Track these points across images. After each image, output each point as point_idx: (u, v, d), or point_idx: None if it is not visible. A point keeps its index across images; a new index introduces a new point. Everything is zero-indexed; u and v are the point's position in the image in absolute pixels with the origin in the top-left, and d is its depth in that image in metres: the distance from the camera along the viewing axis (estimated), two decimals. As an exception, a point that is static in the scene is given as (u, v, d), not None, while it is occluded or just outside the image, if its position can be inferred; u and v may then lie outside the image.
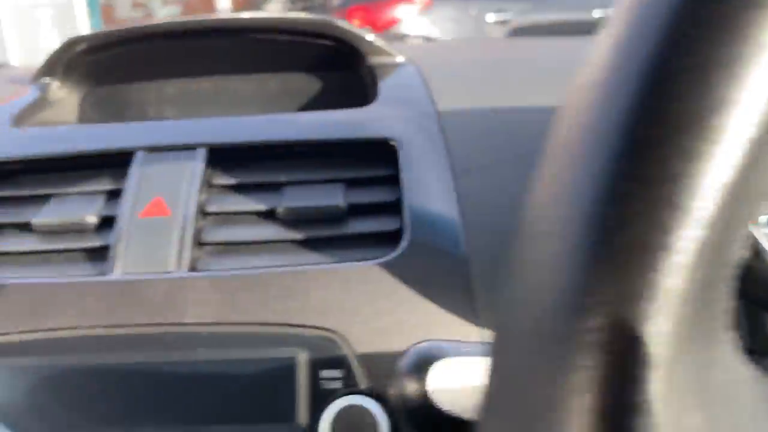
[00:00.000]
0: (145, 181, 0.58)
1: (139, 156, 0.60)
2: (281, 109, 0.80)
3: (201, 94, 0.80)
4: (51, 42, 4.90)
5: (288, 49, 0.77)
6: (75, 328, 0.52)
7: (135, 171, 0.59)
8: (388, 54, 0.75)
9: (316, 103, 0.80)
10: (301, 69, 0.79)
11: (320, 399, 0.49)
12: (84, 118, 0.79)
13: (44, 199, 0.60)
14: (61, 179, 0.61)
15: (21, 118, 0.69)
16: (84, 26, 5.14)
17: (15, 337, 0.52)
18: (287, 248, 0.56)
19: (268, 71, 0.80)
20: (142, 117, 0.81)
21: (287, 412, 0.49)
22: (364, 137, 0.60)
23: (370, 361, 0.50)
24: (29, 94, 0.74)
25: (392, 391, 0.48)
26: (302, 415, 0.49)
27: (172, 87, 0.80)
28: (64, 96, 0.78)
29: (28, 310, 0.52)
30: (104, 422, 0.50)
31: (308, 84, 0.80)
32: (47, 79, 0.77)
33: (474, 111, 0.65)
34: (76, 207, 0.58)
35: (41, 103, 0.73)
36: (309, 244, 0.56)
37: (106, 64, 0.77)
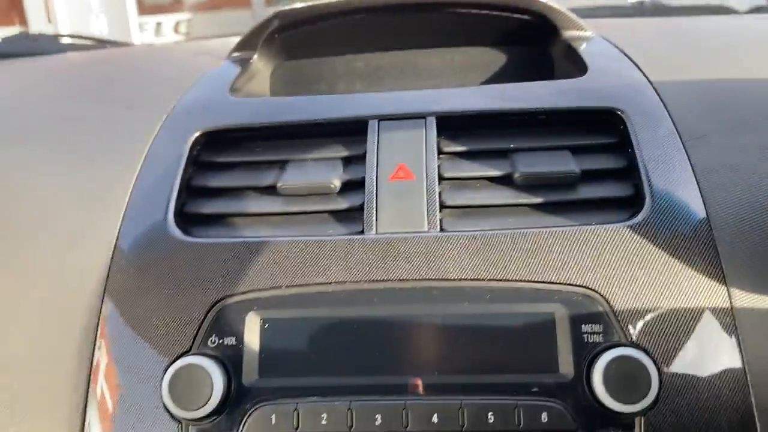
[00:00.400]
0: (383, 148, 0.61)
1: (373, 125, 0.63)
2: (467, 82, 0.82)
3: (388, 68, 0.83)
4: (100, 23, 4.97)
5: (479, 24, 0.80)
6: (342, 282, 0.55)
7: (372, 138, 0.62)
8: (582, 28, 0.77)
9: (501, 77, 0.82)
10: (488, 43, 0.82)
11: (584, 352, 0.52)
12: (274, 90, 0.83)
13: (280, 164, 0.64)
14: (293, 146, 0.65)
15: (234, 90, 0.72)
16: (132, 8, 5.19)
17: (285, 291, 0.55)
18: (524, 212, 0.59)
19: (455, 45, 0.82)
20: (332, 90, 0.84)
21: (552, 364, 0.52)
22: (591, 106, 0.63)
23: (628, 316, 0.52)
24: (230, 66, 0.78)
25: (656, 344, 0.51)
26: (567, 366, 0.52)
27: (361, 61, 0.83)
28: (260, 69, 0.81)
29: (296, 266, 0.56)
30: (374, 371, 0.53)
31: (493, 58, 0.83)
32: (243, 54, 0.80)
33: (684, 81, 0.66)
34: (318, 172, 0.62)
35: (244, 75, 0.77)
36: (545, 207, 0.59)
37: (299, 39, 0.81)
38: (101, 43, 1.40)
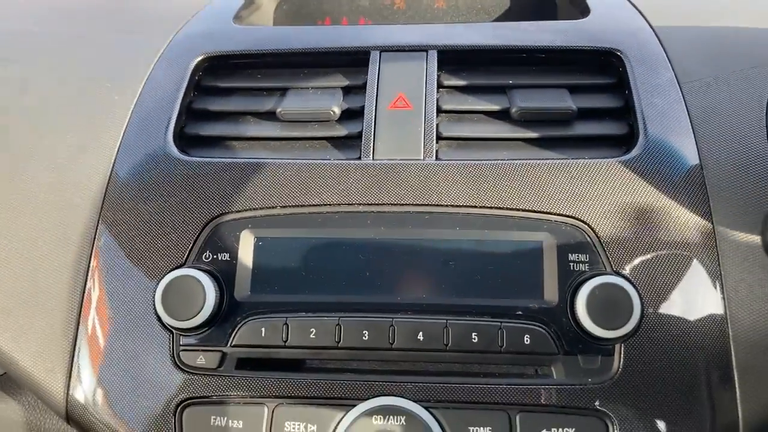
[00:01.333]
0: (384, 79, 0.62)
1: (374, 56, 0.63)
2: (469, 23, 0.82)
3: (392, 8, 0.83)
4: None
5: None
6: (336, 205, 0.56)
7: (373, 69, 0.62)
8: None
9: (505, 19, 0.83)
10: None
11: (569, 279, 0.53)
12: (278, 24, 0.83)
13: (280, 91, 0.64)
14: (294, 75, 0.65)
15: (238, 18, 0.72)
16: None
17: (280, 211, 0.56)
18: (519, 146, 0.60)
19: None
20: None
21: (537, 290, 0.53)
22: (590, 46, 0.63)
23: (615, 247, 0.53)
24: None
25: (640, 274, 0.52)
26: (552, 292, 0.53)
27: (366, 0, 0.84)
28: (265, 2, 0.81)
29: (291, 187, 0.57)
30: (363, 291, 0.54)
31: (497, 0, 0.83)
32: None
33: (685, 27, 0.67)
34: (318, 99, 0.62)
35: (249, 6, 0.77)
36: (541, 142, 0.60)
37: None
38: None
